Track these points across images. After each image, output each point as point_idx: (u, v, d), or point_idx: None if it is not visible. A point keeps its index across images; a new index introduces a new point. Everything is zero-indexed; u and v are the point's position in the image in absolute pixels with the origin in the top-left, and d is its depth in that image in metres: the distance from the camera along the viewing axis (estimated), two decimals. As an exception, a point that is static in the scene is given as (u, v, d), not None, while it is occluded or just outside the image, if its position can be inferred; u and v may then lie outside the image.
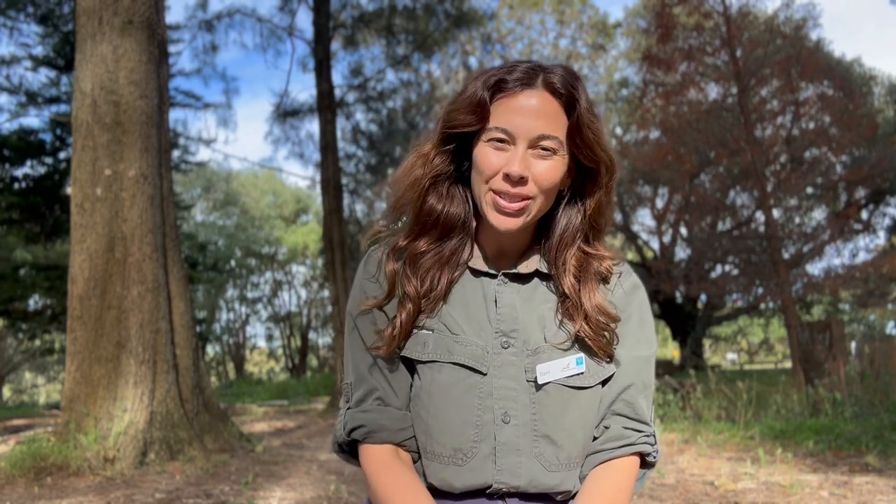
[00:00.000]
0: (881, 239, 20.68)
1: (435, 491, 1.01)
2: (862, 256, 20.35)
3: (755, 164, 11.93)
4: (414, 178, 1.04)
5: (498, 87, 0.99)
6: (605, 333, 1.03)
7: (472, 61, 21.14)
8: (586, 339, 1.02)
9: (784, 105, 14.37)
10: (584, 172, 1.04)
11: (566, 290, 1.03)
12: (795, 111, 14.44)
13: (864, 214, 19.74)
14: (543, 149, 0.98)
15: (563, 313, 1.04)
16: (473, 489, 0.99)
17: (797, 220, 18.54)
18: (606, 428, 1.03)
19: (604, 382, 1.03)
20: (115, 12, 5.54)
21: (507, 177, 0.97)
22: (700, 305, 22.65)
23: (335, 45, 15.84)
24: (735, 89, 12.88)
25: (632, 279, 1.10)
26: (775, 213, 15.50)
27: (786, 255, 15.99)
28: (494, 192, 0.99)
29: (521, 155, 0.97)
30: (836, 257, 20.11)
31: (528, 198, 0.98)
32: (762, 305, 20.85)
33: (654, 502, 4.01)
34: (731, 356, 32.25)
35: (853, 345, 11.39)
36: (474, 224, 1.07)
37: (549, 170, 0.98)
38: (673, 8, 13.22)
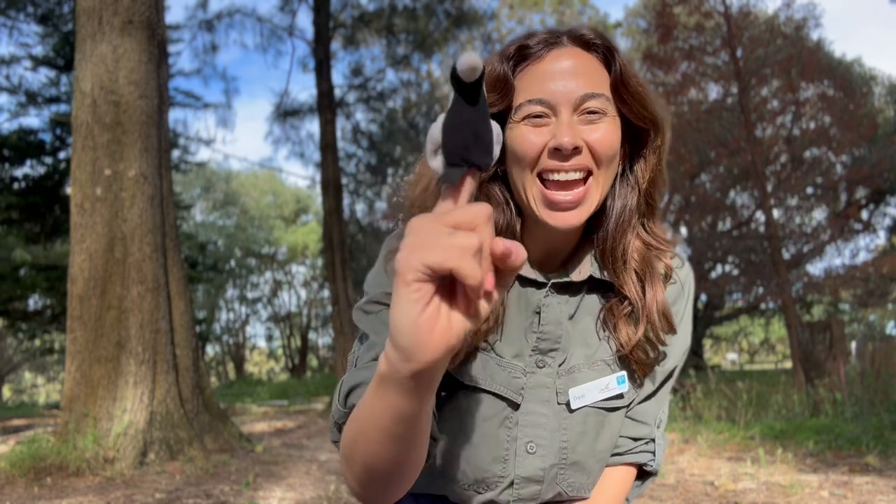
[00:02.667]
0: (881, 239, 20.67)
1: (444, 499, 0.94)
2: (862, 256, 20.34)
3: (755, 163, 11.93)
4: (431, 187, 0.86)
5: (520, 55, 0.84)
6: (657, 350, 0.89)
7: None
8: (634, 354, 0.88)
9: (784, 105, 14.37)
10: (633, 137, 0.88)
11: (628, 293, 0.87)
12: (796, 111, 14.44)
13: (865, 214, 19.73)
14: (591, 112, 0.81)
15: (609, 324, 0.89)
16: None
17: (797, 219, 18.54)
18: None
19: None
20: (115, 12, 5.54)
21: (555, 152, 0.80)
22: (700, 305, 22.65)
23: (335, 44, 15.84)
24: (735, 89, 12.87)
25: (685, 269, 0.95)
26: (776, 212, 15.51)
27: (786, 255, 15.99)
28: (543, 178, 0.82)
29: (567, 122, 0.80)
30: (837, 257, 20.12)
31: (588, 173, 0.81)
32: (762, 305, 20.84)
33: (654, 502, 4.00)
34: (731, 356, 32.23)
35: (853, 345, 11.39)
36: (519, 226, 0.89)
37: (606, 134, 0.81)
38: (673, 8, 13.22)
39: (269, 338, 33.09)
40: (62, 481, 4.55)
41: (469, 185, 0.52)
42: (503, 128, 0.84)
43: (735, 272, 19.98)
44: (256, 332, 53.30)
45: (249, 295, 31.38)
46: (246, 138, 62.62)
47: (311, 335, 30.96)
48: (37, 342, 17.63)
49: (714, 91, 14.57)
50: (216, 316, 29.33)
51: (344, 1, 15.42)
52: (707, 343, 30.58)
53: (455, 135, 0.52)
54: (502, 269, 0.50)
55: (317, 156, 16.44)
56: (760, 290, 16.70)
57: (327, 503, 4.11)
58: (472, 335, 0.85)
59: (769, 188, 13.21)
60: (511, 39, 0.86)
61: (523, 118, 0.82)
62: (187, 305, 6.30)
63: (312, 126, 18.82)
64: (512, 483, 0.89)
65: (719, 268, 21.25)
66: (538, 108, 0.81)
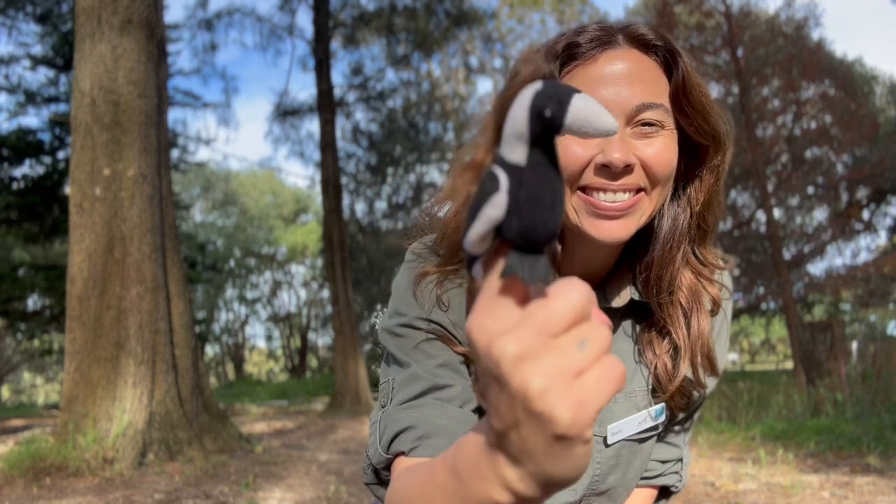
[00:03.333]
0: (882, 239, 20.66)
1: None
2: (863, 256, 20.33)
3: (756, 163, 11.92)
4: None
5: (568, 54, 0.75)
6: (697, 392, 0.83)
7: (473, 61, 21.14)
8: (673, 399, 0.82)
9: (785, 104, 14.37)
10: (690, 153, 0.79)
11: (672, 331, 0.79)
12: (797, 111, 14.44)
13: (866, 214, 19.72)
14: (647, 124, 0.72)
15: (647, 354, 0.83)
16: None
17: (798, 219, 18.53)
18: None
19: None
20: (114, 11, 5.52)
21: (603, 168, 0.71)
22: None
23: (335, 44, 15.83)
24: (736, 89, 12.87)
25: (727, 304, 0.87)
26: (776, 212, 15.50)
27: (787, 255, 15.98)
28: (585, 192, 0.73)
29: (619, 135, 0.71)
30: (838, 257, 20.11)
31: (640, 189, 0.73)
32: (763, 305, 20.83)
33: (655, 503, 3.99)
34: (732, 356, 32.26)
35: (854, 345, 11.38)
36: (559, 247, 0.79)
37: (663, 150, 0.73)
38: (674, 7, 13.22)
39: (269, 338, 33.12)
40: (61, 482, 4.54)
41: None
42: None
43: (735, 272, 19.97)
44: (256, 332, 53.35)
45: (249, 295, 31.40)
46: (245, 138, 62.70)
47: (311, 335, 30.98)
48: (36, 342, 17.62)
49: (715, 91, 14.55)
50: (215, 316, 29.33)
51: (344, 0, 15.43)
52: (707, 343, 30.53)
53: (534, 211, 0.38)
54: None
55: (317, 155, 16.45)
56: (761, 290, 16.70)
57: (327, 503, 4.10)
58: None
59: (770, 188, 13.21)
60: (559, 34, 0.77)
61: None
62: (186, 305, 6.29)
63: (312, 126, 18.85)
64: None
65: (719, 268, 21.23)
66: None
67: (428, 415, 0.71)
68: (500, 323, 0.37)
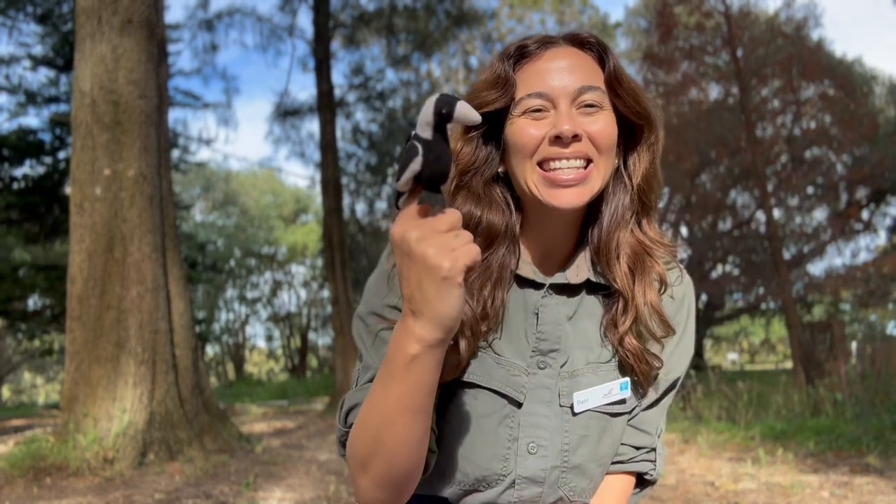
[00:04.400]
0: (882, 239, 20.66)
1: (445, 501, 0.93)
2: (863, 256, 20.33)
3: (756, 163, 11.92)
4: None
5: (519, 54, 0.88)
6: (656, 358, 0.89)
7: (473, 61, 21.14)
8: (629, 357, 0.88)
9: (785, 105, 14.37)
10: (627, 133, 0.90)
11: (619, 285, 0.88)
12: (796, 111, 14.44)
13: (866, 214, 19.72)
14: (588, 105, 0.84)
15: (610, 327, 0.90)
16: None
17: (798, 219, 18.53)
18: None
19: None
20: (115, 12, 5.53)
21: (556, 140, 0.82)
22: (701, 305, 22.66)
23: (335, 44, 15.84)
24: (736, 89, 12.87)
25: (683, 284, 0.95)
26: (776, 212, 15.50)
27: (787, 255, 15.98)
28: (543, 166, 0.84)
29: (566, 112, 0.83)
30: (837, 257, 20.10)
31: (589, 160, 0.84)
32: (763, 305, 20.83)
33: (654, 502, 4.00)
34: (731, 356, 32.25)
35: (854, 345, 11.38)
36: (518, 227, 0.91)
37: (604, 124, 0.84)
38: (674, 7, 13.22)
39: (269, 338, 33.11)
40: (62, 481, 4.55)
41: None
42: (503, 124, 0.88)
43: (735, 272, 19.97)
44: (256, 332, 53.29)
45: (249, 295, 31.40)
46: (246, 138, 62.68)
47: (311, 335, 30.98)
48: (36, 342, 17.62)
49: (714, 91, 14.58)
50: (216, 316, 29.33)
51: (344, 1, 15.43)
52: (707, 343, 30.58)
53: (438, 164, 0.67)
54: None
55: (317, 155, 16.46)
56: (761, 290, 16.70)
57: (327, 503, 4.10)
58: (474, 337, 0.85)
59: (770, 188, 13.22)
60: (510, 41, 0.90)
61: (523, 112, 0.85)
62: (187, 305, 6.29)
63: (312, 126, 18.84)
64: (514, 483, 0.88)
65: (719, 268, 21.24)
66: (537, 102, 0.84)
67: None
68: (411, 223, 0.66)
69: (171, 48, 15.45)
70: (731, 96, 13.76)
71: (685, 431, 6.69)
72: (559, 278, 0.90)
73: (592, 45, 0.88)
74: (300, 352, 29.39)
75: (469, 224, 0.87)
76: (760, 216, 17.19)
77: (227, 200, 30.09)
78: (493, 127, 0.89)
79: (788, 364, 19.92)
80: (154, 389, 5.31)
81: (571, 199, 0.83)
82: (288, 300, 31.42)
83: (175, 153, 16.83)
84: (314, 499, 4.21)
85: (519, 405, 0.88)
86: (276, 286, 31.12)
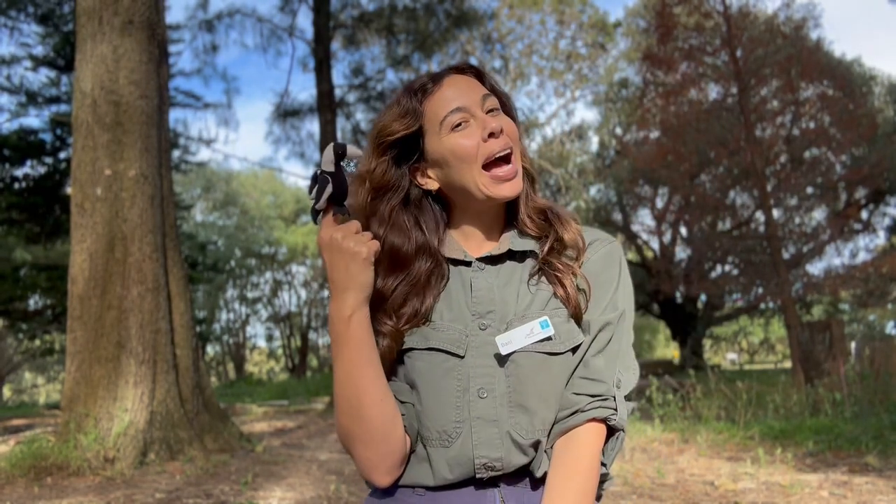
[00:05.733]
0: (881, 239, 20.68)
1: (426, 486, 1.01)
2: (862, 256, 20.35)
3: (755, 163, 11.94)
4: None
5: (423, 90, 1.06)
6: (570, 277, 1.03)
7: (473, 61, 21.12)
8: (558, 285, 1.02)
9: (784, 105, 14.39)
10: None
11: (543, 246, 1.05)
12: (795, 111, 14.46)
13: (865, 214, 19.74)
14: (492, 109, 1.05)
15: (537, 278, 1.04)
16: (458, 467, 0.98)
17: (797, 219, 18.54)
18: (563, 396, 1.01)
19: (574, 350, 1.01)
20: (115, 12, 5.54)
21: (490, 137, 1.01)
22: (700, 305, 22.65)
23: (335, 44, 15.85)
24: (735, 89, 12.88)
25: (609, 245, 1.10)
26: (775, 212, 15.52)
27: (786, 255, 16.00)
28: (487, 168, 1.02)
29: (483, 116, 1.03)
30: (836, 257, 20.11)
31: (510, 150, 1.03)
32: (762, 305, 20.86)
33: (654, 502, 4.01)
34: (731, 356, 32.25)
35: (853, 345, 11.40)
36: (443, 225, 1.10)
37: (509, 122, 1.05)
38: (673, 8, 13.23)
39: (269, 338, 33.12)
40: (62, 481, 4.56)
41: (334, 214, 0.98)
42: (421, 145, 1.07)
43: (735, 272, 19.98)
44: (256, 332, 53.17)
45: (249, 295, 31.41)
46: (246, 138, 62.64)
47: (312, 335, 30.97)
48: (37, 342, 17.64)
49: (714, 91, 14.59)
50: (216, 316, 29.34)
51: (344, 1, 15.44)
52: (707, 343, 30.59)
53: (342, 188, 0.97)
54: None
55: (317, 156, 16.44)
56: (760, 290, 16.72)
57: (327, 503, 4.12)
58: (410, 320, 1.02)
59: (769, 188, 13.23)
60: (409, 82, 1.10)
61: (450, 129, 1.03)
62: (187, 305, 6.31)
63: (312, 126, 18.80)
64: (471, 425, 0.97)
65: (719, 268, 21.26)
66: (458, 116, 1.02)
67: None
68: (333, 229, 0.95)
69: (172, 49, 15.47)
70: (731, 96, 13.77)
71: (684, 431, 6.71)
72: (495, 251, 1.07)
73: (471, 70, 1.09)
74: (300, 352, 29.40)
75: (390, 257, 1.04)
76: (760, 216, 17.20)
77: (228, 201, 30.10)
78: (402, 152, 1.06)
79: (788, 364, 19.91)
80: (155, 389, 5.32)
81: (515, 188, 1.03)
82: (288, 300, 31.46)
83: (176, 153, 16.85)
84: (314, 498, 4.22)
85: (460, 357, 1.00)
86: (277, 286, 31.14)
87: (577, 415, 0.98)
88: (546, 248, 1.05)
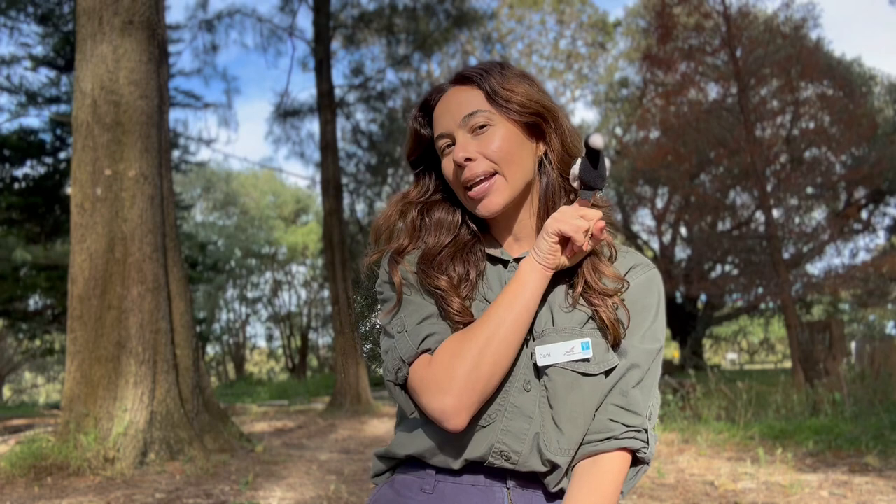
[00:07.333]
0: (881, 239, 20.68)
1: (435, 467, 1.00)
2: (862, 256, 20.35)
3: (755, 163, 11.93)
4: (402, 207, 1.10)
5: (425, 108, 1.08)
6: (609, 304, 1.00)
7: (473, 61, 21.13)
8: (598, 311, 1.00)
9: (784, 105, 14.37)
10: (535, 132, 1.05)
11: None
12: (795, 111, 14.45)
13: (864, 214, 19.74)
14: (477, 127, 1.01)
15: (575, 293, 1.02)
16: (478, 448, 0.97)
17: (797, 219, 18.53)
18: (596, 419, 0.99)
19: (608, 373, 1.00)
20: (115, 12, 5.54)
21: (456, 167, 1.02)
22: (700, 305, 22.66)
23: (335, 44, 15.85)
24: (735, 89, 12.88)
25: (650, 272, 1.09)
26: (775, 212, 15.50)
27: (786, 255, 16.00)
28: (466, 187, 1.03)
29: (461, 142, 1.01)
30: (836, 257, 20.12)
31: (491, 174, 1.01)
32: (762, 305, 20.85)
33: (654, 502, 4.01)
34: (731, 356, 32.25)
35: (853, 345, 11.40)
36: (475, 228, 1.10)
37: (492, 138, 1.01)
38: (673, 8, 13.23)
39: (270, 338, 33.11)
40: (62, 481, 4.56)
41: (591, 200, 0.97)
42: (439, 161, 1.08)
43: (735, 272, 19.98)
44: (256, 332, 53.25)
45: (249, 295, 31.41)
46: (246, 138, 62.58)
47: (312, 335, 30.98)
48: (37, 342, 17.63)
49: (714, 91, 14.57)
50: (216, 316, 29.33)
51: (344, 1, 15.44)
52: (707, 343, 30.57)
53: (588, 175, 0.94)
54: (595, 237, 0.95)
55: (317, 156, 16.45)
56: (760, 290, 16.70)
57: (327, 503, 4.12)
58: (462, 280, 1.03)
59: (769, 188, 13.22)
60: (418, 100, 1.13)
61: (442, 152, 1.05)
62: (187, 305, 6.31)
63: (312, 126, 18.82)
64: (506, 411, 0.97)
65: (719, 268, 21.26)
66: (444, 141, 1.04)
67: (443, 327, 1.01)
68: (561, 215, 0.96)
69: (172, 49, 15.47)
70: (730, 96, 13.77)
71: (684, 431, 6.71)
72: (523, 255, 1.06)
73: (473, 76, 1.04)
74: (300, 352, 29.40)
75: (432, 225, 1.09)
76: (760, 216, 17.21)
77: (228, 201, 30.10)
78: (427, 166, 1.11)
79: (787, 364, 19.92)
80: (155, 389, 5.33)
81: (488, 206, 1.02)
82: (288, 300, 31.46)
83: (176, 153, 16.86)
84: (314, 498, 4.23)
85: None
86: (277, 286, 31.14)
87: (610, 441, 0.98)
88: (587, 269, 1.02)
